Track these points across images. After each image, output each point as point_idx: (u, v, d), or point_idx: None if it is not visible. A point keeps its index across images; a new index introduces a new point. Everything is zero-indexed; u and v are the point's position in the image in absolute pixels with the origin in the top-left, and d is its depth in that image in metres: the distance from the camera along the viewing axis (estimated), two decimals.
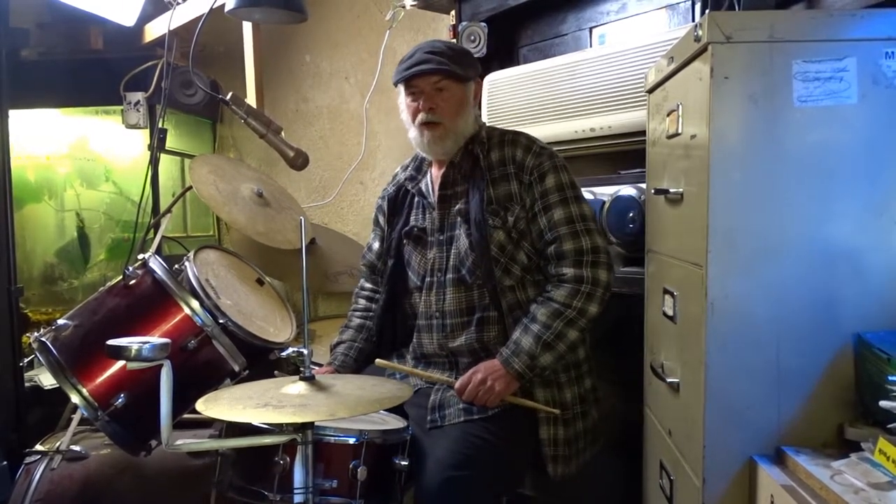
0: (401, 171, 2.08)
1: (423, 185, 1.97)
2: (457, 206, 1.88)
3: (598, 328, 1.87)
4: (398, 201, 2.03)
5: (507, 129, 1.97)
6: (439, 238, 1.91)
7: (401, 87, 1.90)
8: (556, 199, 1.81)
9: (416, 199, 1.99)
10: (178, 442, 1.50)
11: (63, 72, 3.15)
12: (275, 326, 2.12)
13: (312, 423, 1.47)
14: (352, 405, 1.41)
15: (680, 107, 1.47)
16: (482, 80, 2.02)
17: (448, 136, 1.86)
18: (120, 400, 1.79)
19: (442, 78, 1.83)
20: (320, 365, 2.05)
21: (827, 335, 1.28)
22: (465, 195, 1.88)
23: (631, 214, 1.96)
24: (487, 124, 2.01)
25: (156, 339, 1.44)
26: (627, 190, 1.99)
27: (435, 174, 1.96)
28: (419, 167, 2.01)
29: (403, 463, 1.67)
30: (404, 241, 1.98)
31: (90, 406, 1.81)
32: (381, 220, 2.08)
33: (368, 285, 2.13)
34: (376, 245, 2.09)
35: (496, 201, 1.83)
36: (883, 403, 1.06)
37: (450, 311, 1.86)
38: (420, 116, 1.85)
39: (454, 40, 2.60)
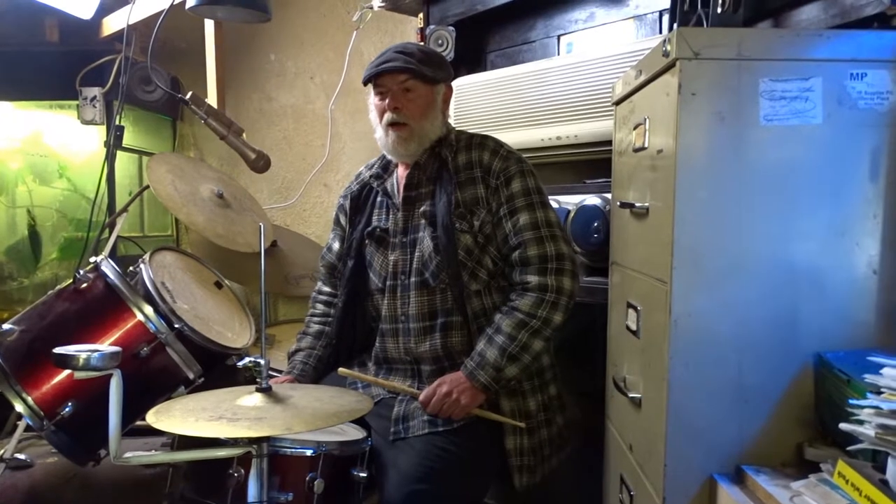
0: (365, 170, 2.05)
1: (388, 185, 1.94)
2: (421, 208, 1.86)
3: (561, 336, 1.85)
4: (361, 200, 2.00)
5: (475, 133, 1.94)
6: (402, 240, 1.88)
7: (370, 87, 1.88)
8: (522, 204, 1.79)
9: (381, 198, 1.96)
10: (128, 454, 1.44)
11: (16, 64, 3.05)
12: (233, 331, 2.07)
13: (268, 436, 1.43)
14: (309, 419, 1.37)
15: (647, 121, 1.46)
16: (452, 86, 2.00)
17: (413, 138, 1.84)
18: (67, 409, 1.72)
19: (409, 77, 1.82)
20: (280, 372, 2.00)
21: (788, 354, 1.28)
22: (431, 197, 1.85)
23: (595, 224, 1.95)
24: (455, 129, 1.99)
25: (106, 347, 1.39)
26: (592, 199, 1.99)
27: (401, 174, 1.93)
28: (386, 166, 1.98)
29: (362, 475, 1.64)
30: (366, 242, 1.94)
31: (35, 415, 1.73)
32: (343, 219, 2.04)
33: (327, 289, 2.09)
34: (336, 245, 2.05)
35: (463, 205, 1.81)
36: (843, 426, 1.06)
37: (413, 315, 1.83)
38: (386, 116, 1.84)
39: (422, 43, 2.58)
